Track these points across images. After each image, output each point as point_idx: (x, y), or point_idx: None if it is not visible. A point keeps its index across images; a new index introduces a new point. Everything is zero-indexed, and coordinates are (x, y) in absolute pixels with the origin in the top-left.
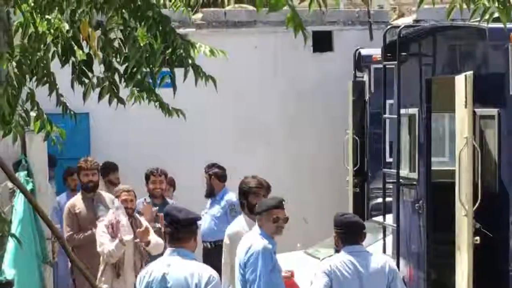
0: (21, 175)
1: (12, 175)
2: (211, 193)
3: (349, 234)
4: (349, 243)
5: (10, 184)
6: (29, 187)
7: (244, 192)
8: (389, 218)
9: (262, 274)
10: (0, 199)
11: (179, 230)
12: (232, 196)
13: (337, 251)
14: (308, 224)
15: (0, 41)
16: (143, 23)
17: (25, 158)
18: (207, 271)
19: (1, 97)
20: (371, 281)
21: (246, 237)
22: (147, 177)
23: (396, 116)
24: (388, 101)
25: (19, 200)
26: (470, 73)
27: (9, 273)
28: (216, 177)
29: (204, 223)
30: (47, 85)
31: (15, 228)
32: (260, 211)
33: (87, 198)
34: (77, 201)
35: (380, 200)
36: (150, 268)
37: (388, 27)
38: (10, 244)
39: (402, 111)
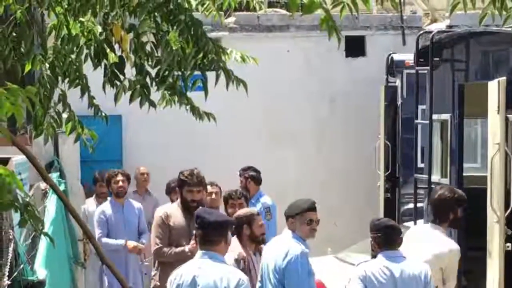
0: (53, 176)
1: (46, 175)
2: (246, 196)
3: (385, 238)
4: (386, 248)
5: (42, 185)
6: (61, 188)
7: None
8: (420, 224)
9: (302, 279)
10: (33, 199)
11: (210, 233)
12: (267, 199)
13: (373, 256)
14: (338, 227)
15: (34, 43)
16: (175, 27)
17: (57, 159)
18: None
19: (35, 97)
20: (406, 287)
21: (279, 242)
22: (226, 201)
23: (428, 122)
24: (420, 107)
25: (51, 201)
26: (503, 79)
27: (41, 273)
28: (252, 179)
29: None
30: (79, 87)
31: (47, 228)
32: (293, 214)
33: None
34: (172, 211)
35: (411, 205)
36: (180, 271)
37: (421, 32)
38: (42, 244)
39: (434, 116)
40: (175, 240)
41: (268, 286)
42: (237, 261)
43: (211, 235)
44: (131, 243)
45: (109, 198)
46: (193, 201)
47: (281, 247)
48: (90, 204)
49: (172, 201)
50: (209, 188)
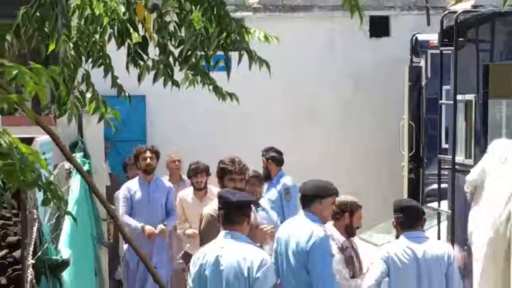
0: (77, 156)
1: (70, 155)
2: (267, 177)
3: (407, 219)
4: (408, 229)
5: (67, 165)
6: (85, 168)
7: None
8: (444, 204)
9: (326, 261)
10: (57, 179)
11: (233, 212)
12: (287, 179)
13: (397, 236)
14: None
15: (58, 23)
16: (198, 7)
17: (81, 139)
18: (260, 255)
19: (58, 76)
20: (429, 267)
21: (299, 224)
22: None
23: (452, 102)
24: (445, 87)
25: (75, 181)
26: None
27: (65, 252)
28: (273, 161)
29: None
30: (103, 67)
31: (71, 208)
32: (324, 195)
33: None
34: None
35: (435, 186)
36: (203, 251)
37: (446, 12)
38: (66, 223)
39: (459, 97)
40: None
41: (286, 269)
42: (341, 249)
43: (234, 215)
44: (148, 228)
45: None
46: (236, 190)
47: (303, 229)
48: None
49: (192, 184)
50: None
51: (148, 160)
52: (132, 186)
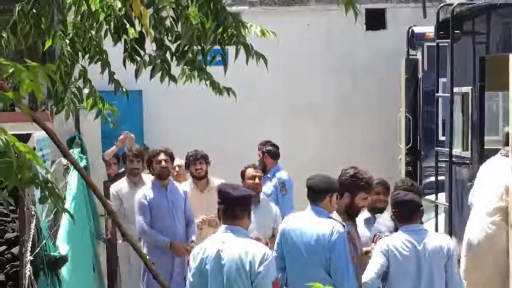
0: (74, 152)
1: (66, 151)
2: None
3: (402, 212)
4: (404, 222)
5: (64, 161)
6: (82, 163)
7: None
8: (442, 197)
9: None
10: (55, 175)
11: (233, 207)
12: (283, 174)
13: (396, 230)
14: None
15: (54, 19)
16: (194, 2)
17: (79, 135)
18: (261, 249)
19: (55, 74)
20: (429, 260)
21: (314, 219)
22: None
23: (449, 95)
24: (441, 80)
25: (73, 177)
26: None
27: (63, 248)
28: (269, 154)
29: None
30: (100, 63)
31: (68, 204)
32: (335, 190)
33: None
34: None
35: (432, 178)
36: (204, 245)
37: (442, 4)
38: (64, 220)
39: (455, 89)
40: None
41: (294, 262)
42: None
43: (234, 210)
44: (176, 245)
45: (151, 180)
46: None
47: (323, 224)
48: (123, 186)
49: (192, 173)
50: (251, 171)
51: (163, 163)
52: (148, 193)
